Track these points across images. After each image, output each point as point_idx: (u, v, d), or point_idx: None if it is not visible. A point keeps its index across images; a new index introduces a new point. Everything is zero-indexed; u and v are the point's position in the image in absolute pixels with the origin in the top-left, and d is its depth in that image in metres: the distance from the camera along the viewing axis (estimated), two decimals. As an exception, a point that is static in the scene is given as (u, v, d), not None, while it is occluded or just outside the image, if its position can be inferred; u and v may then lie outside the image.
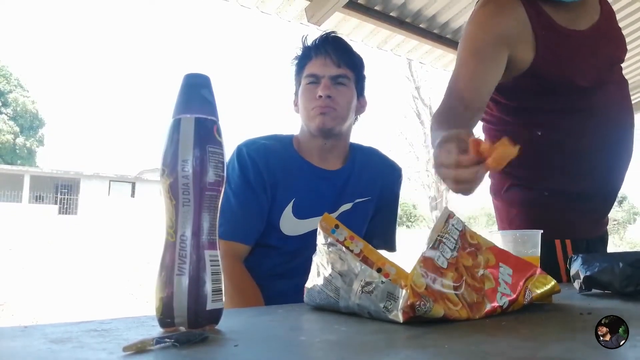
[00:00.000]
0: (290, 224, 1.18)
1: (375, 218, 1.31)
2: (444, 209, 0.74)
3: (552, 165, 1.22)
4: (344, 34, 2.85)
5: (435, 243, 0.68)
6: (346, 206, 1.23)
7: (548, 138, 1.19)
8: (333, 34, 1.25)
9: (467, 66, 1.13)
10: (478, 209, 24.74)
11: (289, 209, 1.18)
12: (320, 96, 1.16)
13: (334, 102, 1.16)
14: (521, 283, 0.72)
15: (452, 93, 1.11)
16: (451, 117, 1.06)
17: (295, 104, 1.26)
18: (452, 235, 0.70)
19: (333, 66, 1.18)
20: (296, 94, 1.26)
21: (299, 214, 1.18)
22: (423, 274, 0.62)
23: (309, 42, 1.23)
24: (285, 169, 1.19)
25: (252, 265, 1.16)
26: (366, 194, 1.26)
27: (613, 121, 1.22)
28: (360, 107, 1.27)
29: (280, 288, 1.16)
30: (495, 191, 1.32)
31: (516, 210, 1.27)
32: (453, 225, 0.71)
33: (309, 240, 1.09)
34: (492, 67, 1.12)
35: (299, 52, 1.25)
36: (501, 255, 0.74)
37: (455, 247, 0.69)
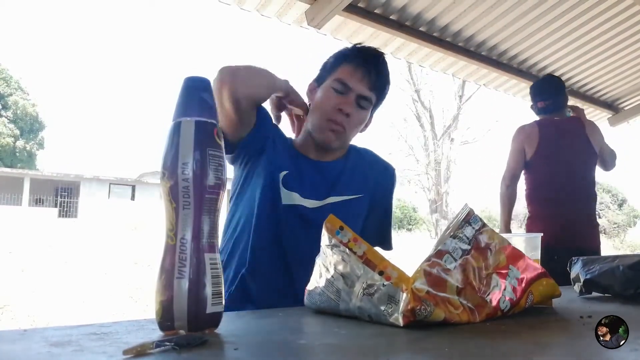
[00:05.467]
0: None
1: (370, 217, 1.31)
2: (464, 205, 0.72)
3: None
4: (344, 37, 2.86)
5: (448, 242, 0.67)
6: (334, 199, 1.23)
7: None
8: (383, 55, 1.24)
9: None
10: (478, 212, 24.68)
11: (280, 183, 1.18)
12: (340, 110, 1.16)
13: (347, 122, 1.18)
14: (524, 286, 0.72)
15: None
16: None
17: (311, 91, 1.26)
18: (466, 235, 0.69)
19: (366, 86, 1.18)
20: (317, 80, 1.25)
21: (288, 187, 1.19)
22: (428, 275, 0.62)
23: (360, 50, 1.23)
24: (282, 154, 1.20)
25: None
26: (358, 191, 1.26)
27: None
28: (365, 127, 1.29)
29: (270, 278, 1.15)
30: None
31: None
32: (470, 224, 0.70)
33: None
34: None
35: (346, 49, 1.24)
36: (513, 257, 0.73)
37: (468, 248, 0.68)
